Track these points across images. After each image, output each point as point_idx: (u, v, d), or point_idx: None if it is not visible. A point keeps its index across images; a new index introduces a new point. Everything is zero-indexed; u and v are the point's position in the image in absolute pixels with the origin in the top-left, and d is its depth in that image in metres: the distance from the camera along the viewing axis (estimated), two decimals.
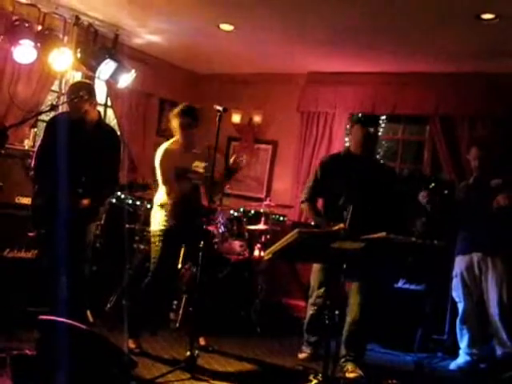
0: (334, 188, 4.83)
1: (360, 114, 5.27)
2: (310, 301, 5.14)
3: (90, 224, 4.99)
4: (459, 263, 5.40)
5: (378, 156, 7.50)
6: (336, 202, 4.75)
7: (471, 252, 5.30)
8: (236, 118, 7.79)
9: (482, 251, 5.23)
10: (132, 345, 4.81)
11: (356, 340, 4.85)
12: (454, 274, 5.44)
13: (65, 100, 5.36)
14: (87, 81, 5.66)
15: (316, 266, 5.09)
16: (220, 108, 4.60)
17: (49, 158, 4.67)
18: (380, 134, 7.45)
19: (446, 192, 5.56)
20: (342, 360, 4.79)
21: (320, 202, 5.15)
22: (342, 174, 4.86)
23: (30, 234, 5.11)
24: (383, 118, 7.45)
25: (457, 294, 5.43)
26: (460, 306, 5.40)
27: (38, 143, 5.07)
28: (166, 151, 4.91)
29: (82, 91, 4.76)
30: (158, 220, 4.92)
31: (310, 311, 5.13)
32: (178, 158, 4.89)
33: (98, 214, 5.10)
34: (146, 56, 7.40)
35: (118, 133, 6.10)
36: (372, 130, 4.83)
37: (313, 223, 5.10)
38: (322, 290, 4.99)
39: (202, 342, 5.08)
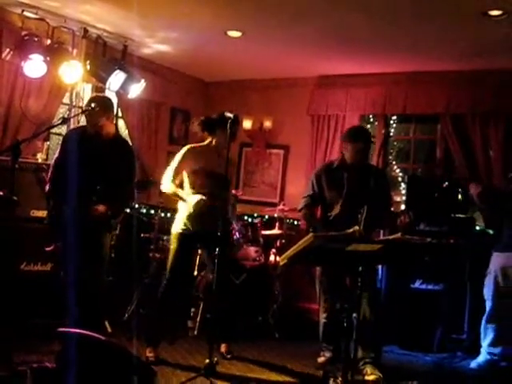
0: (328, 197, 5.06)
1: (350, 130, 5.27)
2: (320, 308, 5.17)
3: (106, 236, 5.01)
4: (495, 260, 5.25)
5: (390, 157, 7.55)
6: (331, 211, 5.03)
7: (509, 250, 5.17)
8: (247, 124, 7.78)
9: None
10: (150, 354, 4.83)
11: (371, 339, 4.82)
12: (488, 270, 5.30)
13: (76, 113, 5.39)
14: (104, 95, 5.69)
15: (318, 270, 5.12)
16: (231, 115, 4.61)
17: (64, 171, 4.71)
18: (391, 134, 7.50)
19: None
20: (361, 363, 4.76)
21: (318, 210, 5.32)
22: (336, 184, 5.04)
23: (48, 249, 5.14)
24: (394, 118, 7.44)
25: (487, 291, 5.29)
26: (488, 305, 5.28)
27: (53, 157, 5.11)
28: (192, 147, 5.02)
29: (94, 103, 4.81)
30: (176, 221, 4.99)
31: (322, 320, 5.15)
32: (202, 156, 4.95)
33: (112, 226, 5.12)
34: (156, 65, 7.42)
35: (130, 143, 6.11)
36: (362, 145, 4.95)
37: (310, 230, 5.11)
38: (327, 293, 5.07)
39: (222, 348, 5.11)
